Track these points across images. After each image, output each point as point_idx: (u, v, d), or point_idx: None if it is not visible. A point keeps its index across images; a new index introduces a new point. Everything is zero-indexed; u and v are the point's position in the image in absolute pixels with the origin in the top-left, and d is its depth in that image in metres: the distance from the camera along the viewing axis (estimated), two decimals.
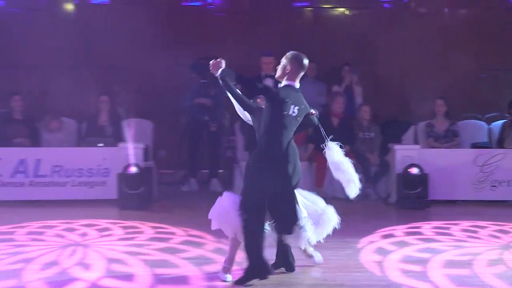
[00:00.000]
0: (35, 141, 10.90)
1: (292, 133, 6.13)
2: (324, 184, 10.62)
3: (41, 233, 8.21)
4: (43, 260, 6.99)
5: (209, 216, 6.31)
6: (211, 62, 6.17)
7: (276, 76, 6.28)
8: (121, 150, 10.24)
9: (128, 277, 6.36)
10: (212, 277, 6.34)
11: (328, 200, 10.47)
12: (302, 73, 6.26)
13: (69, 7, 13.29)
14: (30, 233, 8.28)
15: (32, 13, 12.79)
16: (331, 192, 10.67)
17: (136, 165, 9.94)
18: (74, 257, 7.10)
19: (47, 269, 6.66)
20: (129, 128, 10.68)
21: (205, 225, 8.46)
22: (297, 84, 6.21)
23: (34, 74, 12.03)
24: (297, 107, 6.08)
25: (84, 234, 8.17)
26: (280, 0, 13.43)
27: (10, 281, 6.23)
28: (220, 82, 6.16)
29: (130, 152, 10.13)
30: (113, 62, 12.09)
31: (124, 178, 9.95)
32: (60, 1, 13.18)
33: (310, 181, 10.73)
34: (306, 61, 6.23)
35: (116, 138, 10.80)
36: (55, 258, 7.02)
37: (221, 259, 6.88)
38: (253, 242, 5.98)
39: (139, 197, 9.80)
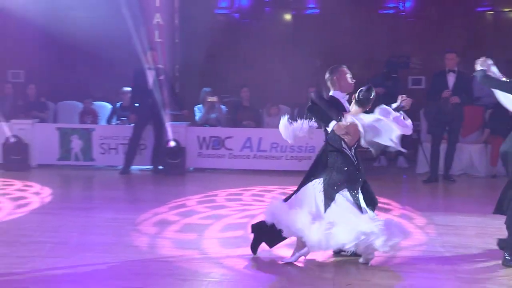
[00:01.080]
0: (258, 123, 11.27)
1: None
2: (498, 164, 10.05)
3: (262, 196, 8.49)
4: (263, 217, 7.29)
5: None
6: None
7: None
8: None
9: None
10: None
11: (500, 179, 9.90)
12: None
13: (287, 17, 13.56)
14: (253, 195, 8.60)
15: (257, 22, 13.20)
16: (503, 171, 10.06)
17: None
18: None
19: None
20: None
21: (392, 194, 8.43)
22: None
23: (259, 70, 12.42)
24: None
25: None
26: (463, 6, 12.74)
27: (238, 231, 6.56)
28: None
29: None
30: (320, 59, 12.18)
31: None
32: (280, 12, 13.47)
33: (486, 161, 10.23)
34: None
35: None
36: None
37: (405, 223, 6.78)
38: None
39: None
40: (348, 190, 5.42)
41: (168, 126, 10.41)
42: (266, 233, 5.62)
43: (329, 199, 5.39)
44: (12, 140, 10.56)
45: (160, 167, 10.50)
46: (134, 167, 10.58)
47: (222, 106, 11.41)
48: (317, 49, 12.22)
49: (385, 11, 13.20)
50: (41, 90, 12.00)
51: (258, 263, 5.53)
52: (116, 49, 11.63)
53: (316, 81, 11.70)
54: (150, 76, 10.29)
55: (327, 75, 5.68)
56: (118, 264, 5.42)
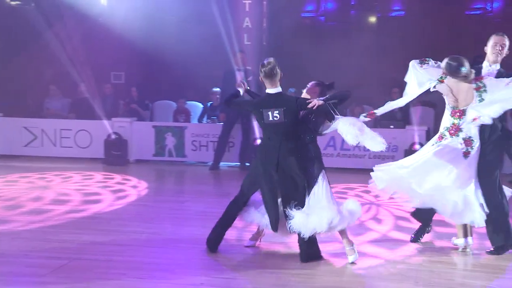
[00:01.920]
0: None
1: (279, 135, 5.28)
2: None
3: (344, 193, 8.37)
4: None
5: None
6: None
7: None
8: (408, 131, 10.11)
9: (412, 231, 6.29)
10: (481, 236, 6.01)
11: None
12: (269, 80, 5.32)
13: (372, 19, 13.31)
14: (337, 192, 8.41)
15: (342, 25, 13.06)
16: None
17: (420, 143, 9.73)
18: (369, 213, 7.20)
19: None
20: (415, 114, 10.48)
21: None
22: (271, 90, 5.34)
23: (344, 71, 12.25)
24: (276, 111, 5.26)
25: (377, 196, 8.14)
26: None
27: None
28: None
29: (415, 133, 9.95)
30: (405, 61, 11.89)
31: (410, 153, 9.79)
32: (365, 15, 13.25)
33: None
34: (263, 69, 5.31)
35: (405, 121, 10.66)
36: None
37: None
38: None
39: None
40: None
41: (256, 124, 10.47)
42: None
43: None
44: (113, 136, 10.97)
45: (248, 163, 10.58)
46: (223, 164, 10.72)
47: None
48: (402, 51, 11.93)
49: (471, 12, 12.71)
50: (139, 90, 12.40)
51: (345, 260, 5.46)
52: (208, 52, 11.84)
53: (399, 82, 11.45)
54: (239, 77, 10.39)
55: (278, 72, 5.37)
56: (208, 255, 5.51)
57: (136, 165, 10.90)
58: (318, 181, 5.39)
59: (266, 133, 5.44)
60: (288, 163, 5.31)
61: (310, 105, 5.23)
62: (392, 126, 10.54)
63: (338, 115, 5.36)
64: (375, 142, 5.27)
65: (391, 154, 10.22)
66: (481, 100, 5.36)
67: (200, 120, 11.77)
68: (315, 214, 5.22)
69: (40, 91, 12.55)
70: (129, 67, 13.20)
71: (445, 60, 5.44)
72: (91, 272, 5.01)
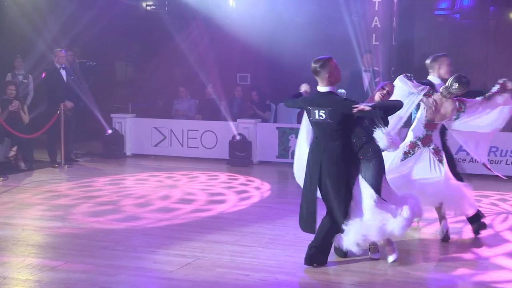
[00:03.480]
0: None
1: (325, 134, 5.26)
2: None
3: (478, 201, 7.84)
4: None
5: None
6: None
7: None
8: None
9: None
10: None
11: None
12: (317, 78, 5.33)
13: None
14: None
15: (480, 22, 12.47)
16: None
17: None
18: (505, 223, 6.84)
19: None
20: None
21: None
22: (320, 89, 5.31)
23: (479, 70, 11.76)
24: (323, 111, 5.19)
25: None
26: None
27: (453, 236, 6.27)
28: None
29: None
30: None
31: None
32: (507, 11, 12.53)
33: None
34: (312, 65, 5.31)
35: None
36: (489, 222, 6.79)
37: None
38: None
39: None
40: None
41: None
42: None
43: None
44: (238, 138, 11.25)
45: None
46: None
47: None
48: None
49: None
50: (262, 92, 12.62)
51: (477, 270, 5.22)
52: (335, 52, 11.72)
53: None
54: (366, 78, 10.28)
55: (323, 71, 5.32)
56: (334, 261, 5.49)
57: (259, 167, 11.10)
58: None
59: (314, 131, 5.45)
60: (330, 166, 5.23)
61: (354, 110, 5.14)
62: None
63: (381, 125, 5.24)
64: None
65: None
66: (457, 118, 6.12)
67: None
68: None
69: (170, 93, 13.18)
70: (255, 69, 13.49)
71: (452, 78, 5.92)
72: (214, 271, 5.19)
